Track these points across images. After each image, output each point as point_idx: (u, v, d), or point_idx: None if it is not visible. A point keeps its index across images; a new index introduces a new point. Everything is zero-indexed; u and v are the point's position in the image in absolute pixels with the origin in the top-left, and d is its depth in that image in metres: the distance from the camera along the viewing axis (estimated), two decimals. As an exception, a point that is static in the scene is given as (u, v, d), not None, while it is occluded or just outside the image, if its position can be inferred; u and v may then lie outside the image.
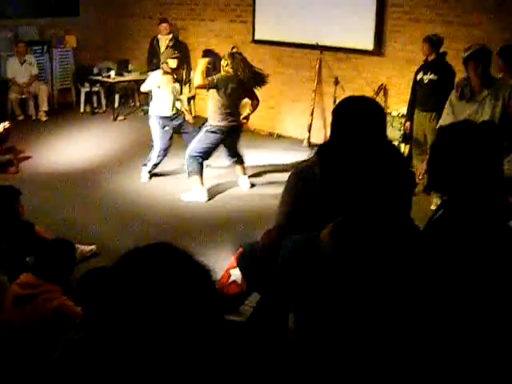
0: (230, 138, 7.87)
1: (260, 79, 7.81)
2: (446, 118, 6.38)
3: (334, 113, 2.85)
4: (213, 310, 1.34)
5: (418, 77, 7.64)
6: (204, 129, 7.78)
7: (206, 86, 7.62)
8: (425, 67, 7.60)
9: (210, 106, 7.74)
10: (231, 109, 7.68)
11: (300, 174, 2.99)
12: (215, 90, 7.58)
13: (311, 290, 2.01)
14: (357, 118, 2.73)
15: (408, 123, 7.88)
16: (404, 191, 2.01)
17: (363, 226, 1.96)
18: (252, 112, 8.01)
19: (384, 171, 1.97)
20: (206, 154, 7.81)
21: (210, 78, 7.60)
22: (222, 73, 7.63)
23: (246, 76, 7.56)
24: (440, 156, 2.45)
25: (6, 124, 8.78)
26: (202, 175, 7.85)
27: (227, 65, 7.58)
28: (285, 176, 6.90)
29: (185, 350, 1.27)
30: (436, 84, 7.39)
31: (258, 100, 7.94)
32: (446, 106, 6.68)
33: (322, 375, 2.02)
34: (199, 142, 7.77)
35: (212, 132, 7.70)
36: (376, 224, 1.95)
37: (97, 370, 1.35)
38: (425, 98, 7.52)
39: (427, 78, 7.50)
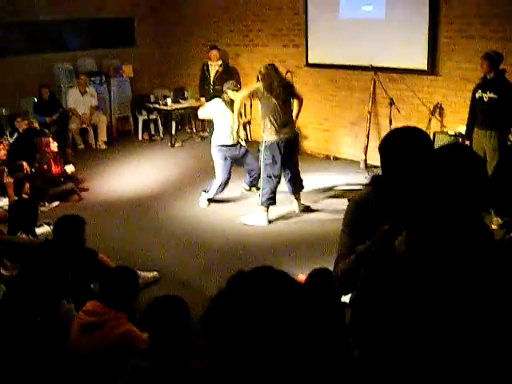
0: (288, 155, 7.83)
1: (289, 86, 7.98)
2: None
3: (381, 149, 2.85)
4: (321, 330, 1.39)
5: (477, 95, 7.50)
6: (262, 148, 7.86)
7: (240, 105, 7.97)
8: (484, 85, 7.45)
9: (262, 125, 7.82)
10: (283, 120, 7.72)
11: (358, 205, 2.98)
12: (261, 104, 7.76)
13: (391, 297, 2.03)
14: (403, 151, 2.72)
15: (467, 142, 7.71)
16: (476, 202, 2.02)
17: (437, 232, 1.98)
18: (298, 111, 8.03)
19: (455, 181, 2.00)
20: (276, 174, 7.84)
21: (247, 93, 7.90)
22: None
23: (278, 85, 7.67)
24: (505, 177, 2.44)
25: (72, 167, 9.26)
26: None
27: (262, 78, 7.76)
28: (343, 200, 6.89)
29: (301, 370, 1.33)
30: (496, 102, 7.26)
31: (301, 98, 8.01)
32: None
33: None
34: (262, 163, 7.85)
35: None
36: (450, 230, 1.97)
37: None
38: (484, 116, 7.40)
39: (487, 96, 7.35)
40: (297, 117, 8.04)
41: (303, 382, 1.33)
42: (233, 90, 8.28)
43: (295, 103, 7.98)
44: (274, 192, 7.86)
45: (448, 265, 1.94)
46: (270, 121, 7.62)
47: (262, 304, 1.34)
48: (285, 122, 7.68)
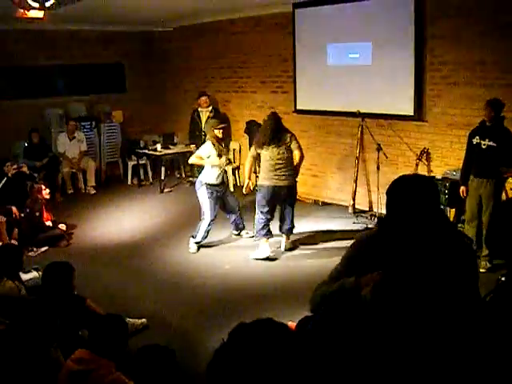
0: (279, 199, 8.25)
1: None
2: None
3: (389, 193, 2.88)
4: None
5: (474, 141, 7.36)
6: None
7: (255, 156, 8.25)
8: (481, 131, 7.31)
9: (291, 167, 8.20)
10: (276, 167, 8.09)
11: (362, 242, 3.01)
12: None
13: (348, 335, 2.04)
14: (411, 197, 2.76)
15: (463, 187, 7.57)
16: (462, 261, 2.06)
17: (404, 286, 2.02)
18: (298, 165, 8.27)
19: (436, 246, 2.03)
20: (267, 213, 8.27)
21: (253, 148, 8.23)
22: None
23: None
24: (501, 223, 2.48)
25: (64, 226, 9.38)
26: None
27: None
28: (333, 243, 6.86)
29: None
30: (495, 151, 7.14)
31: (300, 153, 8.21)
32: None
33: None
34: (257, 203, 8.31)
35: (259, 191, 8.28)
36: (416, 285, 2.01)
37: None
38: (481, 164, 7.27)
39: (485, 143, 7.21)
40: (298, 167, 8.31)
41: None
42: (217, 129, 8.55)
43: (296, 155, 8.19)
44: (267, 225, 8.28)
45: (410, 318, 1.97)
46: (263, 168, 8.15)
47: (264, 356, 1.37)
48: (276, 170, 8.05)
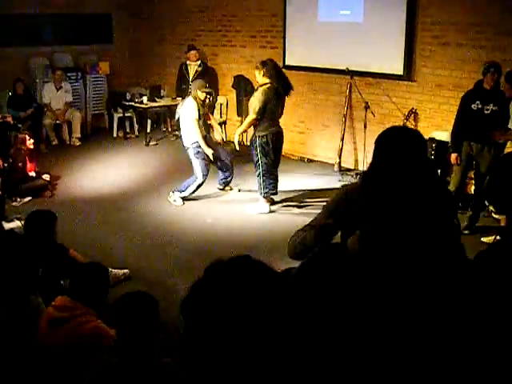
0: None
1: (289, 86, 8.00)
2: None
3: (378, 143, 2.86)
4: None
5: (474, 106, 7.04)
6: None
7: (258, 117, 7.85)
8: (482, 96, 7.00)
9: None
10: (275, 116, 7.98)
11: (348, 194, 3.01)
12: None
13: (330, 292, 2.02)
14: (400, 148, 2.74)
15: (456, 155, 7.28)
16: (443, 212, 2.04)
17: (389, 235, 2.01)
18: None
19: (421, 195, 2.01)
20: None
21: (258, 109, 7.76)
22: (260, 89, 7.83)
23: (280, 84, 7.82)
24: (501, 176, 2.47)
25: (48, 176, 9.30)
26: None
27: (263, 74, 7.78)
28: (317, 200, 6.81)
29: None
30: (497, 115, 6.92)
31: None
32: None
33: None
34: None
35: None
36: (402, 233, 2.00)
37: None
38: (482, 129, 6.93)
39: (489, 108, 6.94)
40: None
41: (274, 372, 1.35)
42: (202, 92, 8.37)
43: None
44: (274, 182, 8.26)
45: (397, 265, 1.96)
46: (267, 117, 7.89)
47: (239, 292, 1.36)
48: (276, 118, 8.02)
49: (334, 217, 2.89)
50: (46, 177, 9.24)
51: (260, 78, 7.83)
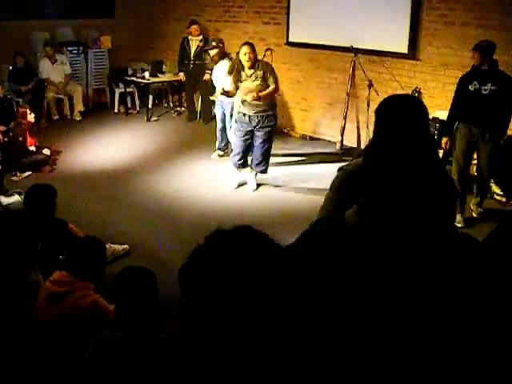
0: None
1: None
2: None
3: (378, 112, 2.78)
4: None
5: (472, 87, 6.80)
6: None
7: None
8: (479, 76, 6.79)
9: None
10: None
11: (348, 175, 2.93)
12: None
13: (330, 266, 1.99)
14: (401, 116, 2.65)
15: (446, 139, 7.17)
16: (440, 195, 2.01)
17: (388, 207, 1.97)
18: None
19: (421, 175, 1.98)
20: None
21: None
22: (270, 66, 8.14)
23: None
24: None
25: (48, 151, 9.25)
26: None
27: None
28: (318, 178, 6.80)
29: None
30: (497, 95, 6.64)
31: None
32: None
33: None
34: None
35: None
36: (400, 206, 1.96)
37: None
38: (481, 111, 6.71)
39: (487, 88, 6.68)
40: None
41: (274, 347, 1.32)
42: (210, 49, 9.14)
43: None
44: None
45: (398, 240, 1.93)
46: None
47: (239, 261, 1.33)
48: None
49: (341, 198, 2.81)
50: (46, 151, 9.20)
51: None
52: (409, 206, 2.00)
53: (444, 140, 7.18)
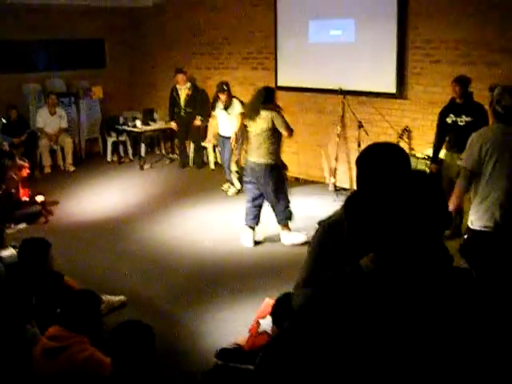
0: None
1: None
2: None
3: (358, 162, 2.79)
4: None
5: (449, 120, 7.41)
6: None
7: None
8: (455, 109, 7.38)
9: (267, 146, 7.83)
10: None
11: (327, 230, 2.90)
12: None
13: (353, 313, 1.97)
14: (382, 165, 2.66)
15: (434, 166, 7.70)
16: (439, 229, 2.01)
17: (406, 256, 1.96)
18: None
19: (419, 207, 1.98)
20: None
21: None
22: (275, 111, 7.99)
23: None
24: None
25: (41, 197, 9.22)
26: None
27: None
28: (312, 221, 6.82)
29: None
30: (472, 125, 6.82)
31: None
32: None
33: None
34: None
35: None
36: (413, 251, 1.96)
37: None
38: (459, 140, 6.90)
39: (463, 120, 7.26)
40: None
41: None
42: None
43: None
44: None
45: (412, 287, 1.92)
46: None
47: None
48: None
49: (322, 258, 2.79)
50: (39, 197, 9.15)
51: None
52: (420, 249, 1.99)
53: (432, 167, 7.75)
